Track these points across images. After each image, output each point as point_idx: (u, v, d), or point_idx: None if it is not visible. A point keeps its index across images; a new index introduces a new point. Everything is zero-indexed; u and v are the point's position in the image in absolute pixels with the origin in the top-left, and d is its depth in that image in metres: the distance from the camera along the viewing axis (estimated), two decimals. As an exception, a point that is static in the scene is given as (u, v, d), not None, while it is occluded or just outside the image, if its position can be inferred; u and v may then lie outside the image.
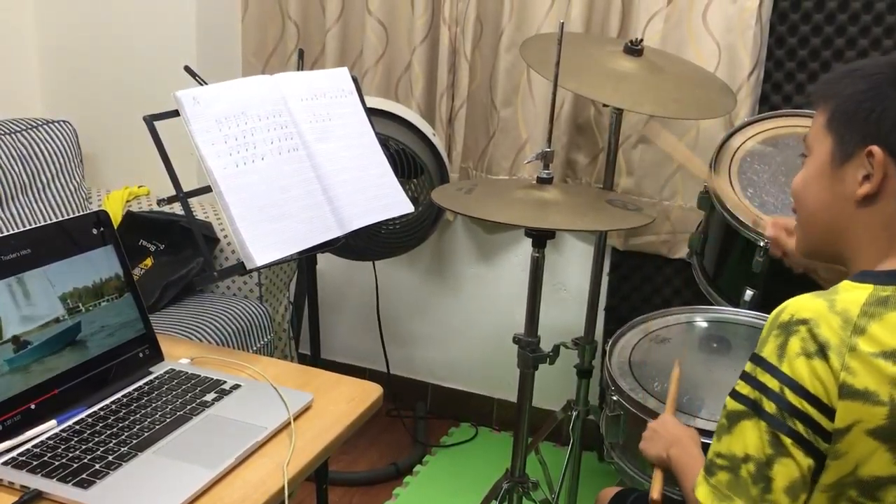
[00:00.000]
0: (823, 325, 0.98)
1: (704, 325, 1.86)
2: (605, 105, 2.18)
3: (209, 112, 1.47)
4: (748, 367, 1.05)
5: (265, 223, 1.48)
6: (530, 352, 1.74)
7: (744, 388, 1.04)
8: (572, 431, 2.22)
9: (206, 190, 1.48)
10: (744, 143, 2.03)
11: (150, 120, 1.43)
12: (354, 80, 1.76)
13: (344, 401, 1.37)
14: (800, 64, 2.30)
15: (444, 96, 2.63)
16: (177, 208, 2.50)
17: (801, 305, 1.01)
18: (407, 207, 1.73)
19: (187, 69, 1.73)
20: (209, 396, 1.31)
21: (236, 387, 1.34)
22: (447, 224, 2.80)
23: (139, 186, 2.72)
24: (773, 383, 1.00)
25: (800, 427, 0.98)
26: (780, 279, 1.93)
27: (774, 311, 1.04)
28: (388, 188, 1.72)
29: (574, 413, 2.23)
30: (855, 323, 0.98)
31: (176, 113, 1.45)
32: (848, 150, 1.07)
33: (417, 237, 2.35)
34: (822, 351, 0.97)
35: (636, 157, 2.46)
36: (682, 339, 1.82)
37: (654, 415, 1.56)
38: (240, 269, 1.45)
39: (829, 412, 0.98)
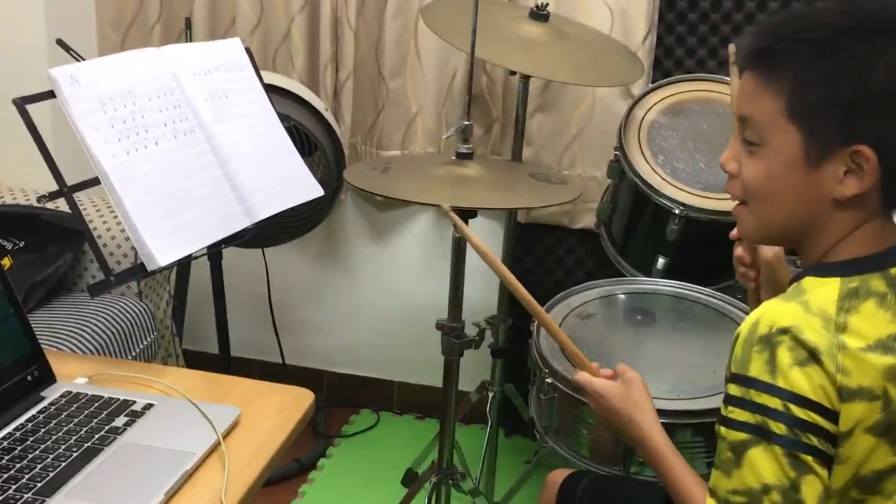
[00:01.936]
0: (807, 330, 0.92)
1: (624, 297, 1.83)
2: (512, 73, 2.10)
3: (91, 92, 1.27)
4: (734, 389, 0.96)
5: (165, 217, 1.31)
6: (455, 337, 1.64)
7: (741, 415, 0.95)
8: (490, 413, 2.15)
9: (95, 182, 1.28)
10: (648, 110, 2.00)
11: (22, 103, 1.21)
12: (248, 51, 1.59)
13: (273, 412, 1.22)
14: (690, 27, 2.29)
15: (328, 68, 2.47)
16: (33, 200, 2.24)
17: (775, 313, 0.95)
18: (316, 191, 1.59)
19: (60, 42, 1.51)
20: (119, 421, 1.13)
21: (149, 406, 1.17)
22: (338, 203, 2.66)
23: (-13, 177, 2.42)
24: (773, 402, 0.92)
25: (814, 440, 0.92)
26: (691, 247, 1.94)
27: (745, 326, 0.97)
28: (294, 170, 1.57)
29: (490, 394, 2.16)
30: (835, 320, 0.93)
31: (51, 94, 1.24)
32: (825, 148, 0.96)
33: (314, 220, 2.21)
34: (813, 356, 0.91)
35: (534, 127, 2.39)
36: (606, 313, 1.78)
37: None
38: (140, 271, 1.28)
39: (834, 417, 0.92)
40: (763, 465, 0.92)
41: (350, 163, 2.57)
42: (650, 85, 2.03)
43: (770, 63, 0.98)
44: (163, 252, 1.28)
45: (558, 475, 1.51)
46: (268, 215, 1.47)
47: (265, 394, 1.27)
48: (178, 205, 1.33)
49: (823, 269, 0.99)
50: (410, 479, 2.41)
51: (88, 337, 2.04)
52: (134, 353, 2.20)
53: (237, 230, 1.43)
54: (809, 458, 0.91)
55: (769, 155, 1.00)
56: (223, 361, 1.63)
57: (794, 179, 0.99)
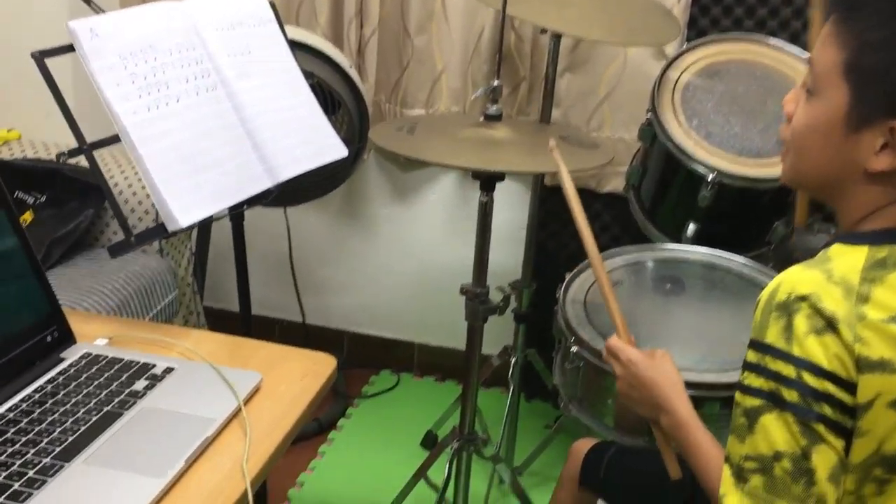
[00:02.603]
0: (826, 298, 0.89)
1: (653, 265, 1.78)
2: (542, 31, 2.04)
3: (111, 46, 1.23)
4: (751, 356, 0.95)
5: (187, 177, 1.27)
6: (480, 303, 1.61)
7: (755, 381, 0.93)
8: (511, 378, 2.13)
9: (115, 140, 1.25)
10: (683, 72, 1.94)
11: (41, 57, 1.18)
12: (272, 6, 1.54)
13: (296, 377, 1.20)
14: (727, -15, 2.21)
15: (352, 23, 2.41)
16: (54, 154, 2.22)
17: (796, 280, 0.92)
18: (341, 151, 1.55)
19: (78, -6, 1.46)
20: (139, 385, 1.11)
21: (169, 370, 1.15)
22: (361, 162, 2.61)
23: (8, 130, 2.40)
24: (788, 370, 0.91)
25: (827, 410, 0.90)
26: (723, 213, 1.88)
27: (766, 292, 0.95)
28: (319, 130, 1.53)
29: (513, 359, 2.13)
30: (858, 290, 0.90)
31: (70, 48, 1.21)
32: (869, 116, 0.93)
33: (337, 179, 2.17)
34: (831, 325, 0.89)
35: (563, 87, 2.33)
36: (635, 280, 1.74)
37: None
38: (161, 231, 1.25)
39: (851, 387, 0.90)
40: (775, 431, 0.91)
41: (374, 121, 2.52)
42: (685, 45, 1.96)
43: (847, 10, 0.94)
44: (184, 212, 1.25)
45: (583, 445, 1.49)
46: (291, 176, 1.43)
47: (287, 359, 1.25)
48: (199, 164, 1.30)
49: (853, 237, 0.97)
50: (431, 442, 2.41)
51: (109, 294, 2.03)
52: (155, 311, 2.19)
53: (260, 191, 1.39)
54: (822, 428, 0.90)
55: (817, 106, 0.98)
56: (244, 323, 1.62)
57: (831, 138, 0.96)
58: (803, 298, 0.90)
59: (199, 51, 1.36)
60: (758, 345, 0.94)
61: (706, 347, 1.54)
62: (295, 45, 2.01)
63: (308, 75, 1.89)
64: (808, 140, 1.00)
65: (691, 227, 1.89)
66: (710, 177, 1.77)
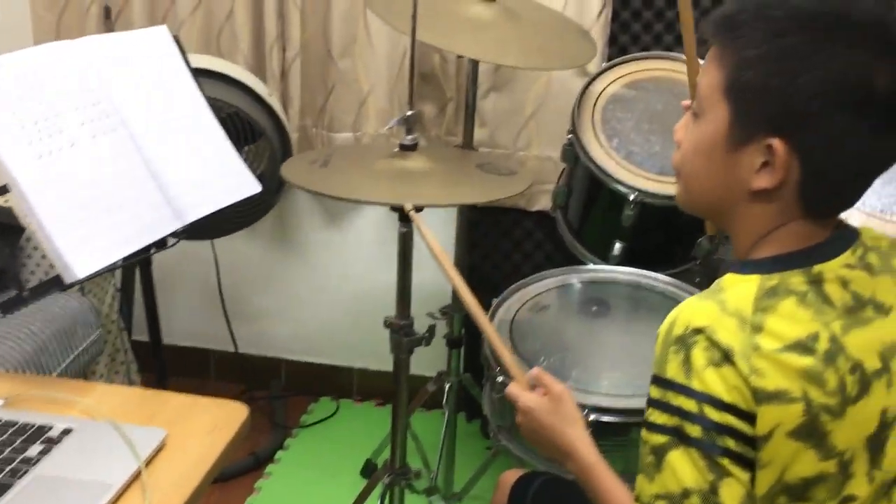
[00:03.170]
0: (721, 330, 0.89)
1: (579, 287, 1.77)
2: (460, 56, 2.02)
3: (-4, 91, 1.18)
4: (654, 392, 0.94)
5: (84, 225, 1.22)
6: (404, 335, 1.58)
7: (659, 417, 0.92)
8: (447, 404, 2.10)
9: (3, 191, 1.19)
10: (604, 89, 1.94)
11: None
12: (176, 39, 1.50)
13: (203, 430, 1.16)
14: (646, 1, 2.21)
15: (273, 48, 2.37)
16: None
17: (691, 313, 0.92)
18: (253, 187, 1.51)
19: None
20: (33, 450, 1.06)
21: (67, 432, 1.10)
22: (288, 186, 2.57)
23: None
24: (689, 404, 0.90)
25: (730, 443, 0.89)
26: (649, 232, 1.88)
27: (664, 326, 0.95)
28: (229, 166, 1.49)
29: (447, 384, 2.11)
30: (751, 321, 0.90)
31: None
32: (746, 133, 0.94)
33: (261, 210, 2.13)
34: (727, 357, 0.89)
35: (488, 107, 2.32)
36: (561, 304, 1.72)
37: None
38: (57, 284, 1.20)
39: (751, 418, 0.89)
40: (682, 468, 0.90)
41: (300, 147, 2.48)
42: (604, 64, 1.95)
43: (727, 33, 0.95)
44: (81, 263, 1.20)
45: (510, 476, 1.47)
46: (199, 216, 1.39)
47: (196, 410, 1.20)
48: (97, 210, 1.25)
49: (744, 267, 0.97)
50: (370, 471, 2.37)
51: (25, 339, 1.94)
52: (76, 352, 2.11)
53: (166, 234, 1.34)
54: (727, 461, 0.89)
55: (701, 128, 0.98)
56: (159, 374, 1.55)
57: (714, 159, 0.97)
58: (699, 331, 0.90)
59: (95, 92, 1.31)
60: (659, 380, 0.93)
61: (633, 371, 1.53)
62: (211, 75, 1.97)
63: (224, 105, 1.85)
64: (695, 163, 1.01)
65: (618, 247, 1.89)
66: (633, 197, 1.77)
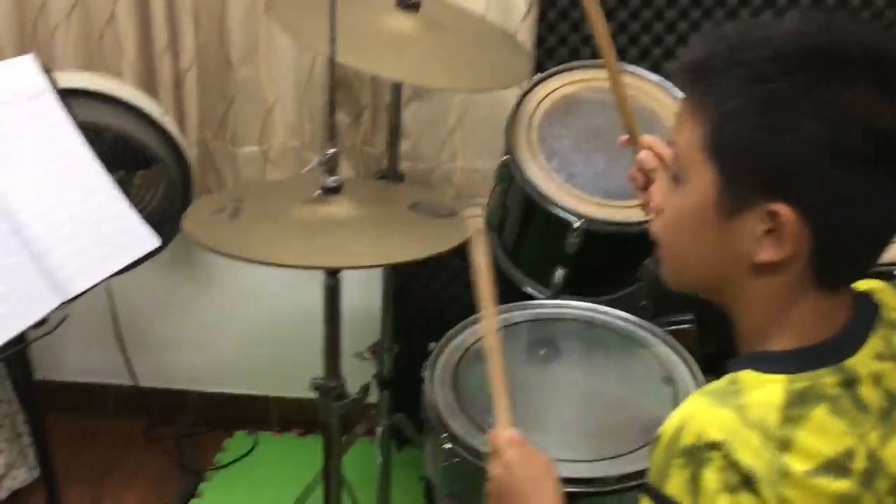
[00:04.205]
0: (741, 448, 0.75)
1: (525, 327, 1.61)
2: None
3: None
4: None
5: (-64, 320, 0.98)
6: (335, 399, 1.39)
7: None
8: (381, 450, 1.93)
9: None
10: (538, 104, 1.77)
11: None
12: (46, 71, 1.25)
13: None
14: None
15: (165, 55, 2.11)
16: None
17: (704, 422, 0.77)
18: (150, 242, 1.29)
19: None
20: None
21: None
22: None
23: None
24: None
25: None
26: (593, 257, 1.74)
27: (668, 429, 0.79)
28: (119, 221, 1.26)
29: (379, 429, 1.93)
30: (778, 437, 0.76)
31: None
32: (741, 199, 0.79)
33: (164, 239, 1.87)
34: (747, 483, 0.74)
35: (409, 117, 2.12)
36: (507, 348, 1.55)
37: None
38: None
39: None
40: None
41: (201, 163, 2.23)
42: (537, 76, 1.79)
43: (699, 82, 0.81)
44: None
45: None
46: (86, 287, 1.16)
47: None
48: (-46, 298, 1.01)
49: (764, 362, 0.82)
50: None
51: None
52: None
53: (45, 314, 1.11)
54: None
55: (684, 194, 0.84)
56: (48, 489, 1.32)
57: (706, 231, 0.82)
58: (715, 447, 0.75)
59: (-57, 147, 1.06)
60: (656, 495, 0.79)
61: (593, 428, 1.39)
62: (92, 97, 1.72)
63: (98, 130, 1.60)
64: (682, 236, 0.86)
65: (559, 272, 1.74)
66: (577, 224, 1.62)
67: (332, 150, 1.27)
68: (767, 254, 0.79)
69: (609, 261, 1.78)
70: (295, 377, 2.57)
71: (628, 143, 1.33)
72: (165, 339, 2.53)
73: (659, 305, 1.87)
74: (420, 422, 1.88)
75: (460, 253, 2.25)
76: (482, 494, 1.37)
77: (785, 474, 0.75)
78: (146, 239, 1.28)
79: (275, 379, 2.54)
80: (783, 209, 0.76)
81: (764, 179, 0.77)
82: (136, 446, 2.47)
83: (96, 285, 1.18)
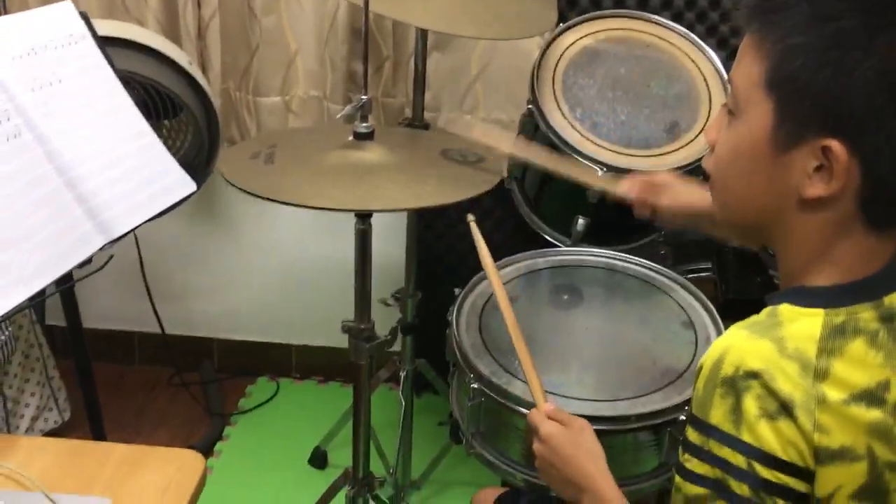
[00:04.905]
0: (780, 377, 0.78)
1: (547, 273, 1.65)
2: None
3: None
4: (693, 436, 0.83)
5: (-7, 256, 1.02)
6: (365, 340, 1.43)
7: (699, 467, 0.81)
8: (402, 394, 1.98)
9: None
10: (562, 53, 1.78)
11: None
12: (84, 17, 1.27)
13: (154, 493, 1.00)
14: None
15: (188, 4, 2.13)
16: None
17: (743, 352, 0.80)
18: (188, 187, 1.32)
19: None
20: (-47, 541, 0.89)
21: (-7, 511, 0.93)
22: (214, 166, 2.35)
23: None
24: (736, 458, 0.79)
25: (780, 503, 0.79)
26: (613, 207, 1.76)
27: (708, 359, 0.82)
28: (158, 165, 1.29)
29: (402, 374, 1.98)
30: (815, 366, 0.79)
31: None
32: (796, 133, 0.81)
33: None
34: (786, 409, 0.77)
35: (431, 68, 2.13)
36: (530, 294, 1.60)
37: (522, 402, 1.34)
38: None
39: (808, 477, 0.79)
40: None
41: (223, 113, 2.26)
42: (560, 26, 1.80)
43: (766, 17, 0.82)
44: (-7, 302, 1.00)
45: (488, 495, 1.36)
46: (129, 229, 1.20)
47: (142, 466, 1.04)
48: (8, 237, 1.05)
49: (804, 296, 0.84)
50: (319, 460, 2.24)
51: (-75, 350, 1.73)
52: (-13, 356, 1.91)
53: (91, 253, 1.15)
54: None
55: (740, 128, 0.86)
56: (79, 362, 1.36)
57: (758, 163, 0.84)
58: (754, 375, 0.78)
59: (-9, 90, 1.09)
60: (700, 424, 0.82)
61: (613, 370, 1.43)
62: (120, 44, 1.73)
63: (126, 78, 1.62)
64: (734, 168, 0.88)
65: (581, 222, 1.77)
66: (600, 173, 1.64)
67: (365, 97, 1.30)
68: (816, 189, 0.81)
69: (627, 209, 1.80)
70: (316, 326, 2.64)
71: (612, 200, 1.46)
72: (190, 288, 2.58)
73: (678, 254, 1.90)
74: (442, 367, 1.93)
75: (480, 204, 2.31)
76: (506, 432, 1.43)
77: (821, 402, 0.78)
78: (184, 183, 1.31)
79: (296, 327, 2.60)
80: (836, 145, 0.78)
81: (820, 115, 0.79)
82: (163, 392, 2.54)
83: (138, 227, 1.21)
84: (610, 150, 1.69)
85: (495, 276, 1.27)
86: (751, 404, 0.78)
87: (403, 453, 2.02)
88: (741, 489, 0.79)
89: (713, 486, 0.80)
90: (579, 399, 1.34)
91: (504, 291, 1.24)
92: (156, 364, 2.60)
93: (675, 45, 1.79)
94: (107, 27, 1.79)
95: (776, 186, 0.84)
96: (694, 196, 1.36)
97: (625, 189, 1.39)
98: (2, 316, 0.99)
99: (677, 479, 0.85)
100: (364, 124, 1.32)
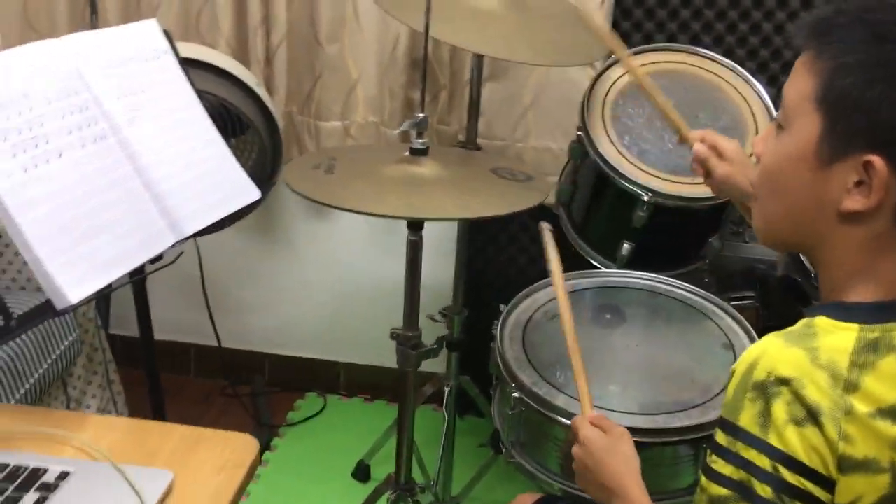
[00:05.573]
0: (810, 386, 0.81)
1: (590, 293, 1.70)
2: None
3: (-25, 100, 1.06)
4: (721, 438, 0.86)
5: (75, 245, 1.12)
6: (412, 348, 1.50)
7: (724, 468, 0.85)
8: (446, 409, 2.03)
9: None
10: (612, 84, 1.85)
11: None
12: (167, 34, 1.38)
13: (212, 470, 1.07)
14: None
15: (258, 31, 2.25)
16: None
17: (776, 359, 0.83)
18: (253, 194, 1.41)
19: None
20: (28, 499, 0.96)
21: (64, 475, 1.01)
22: (275, 184, 2.46)
23: None
24: (762, 461, 0.82)
25: None
26: (659, 232, 1.81)
27: (741, 364, 0.86)
28: (227, 172, 1.38)
29: (446, 389, 2.03)
30: (846, 379, 0.82)
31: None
32: (841, 147, 0.84)
33: (252, 204, 2.00)
34: (812, 417, 0.81)
35: (485, 96, 2.22)
36: (573, 313, 1.64)
37: (562, 412, 1.39)
38: (49, 311, 1.09)
39: (829, 484, 0.82)
40: None
41: (286, 136, 2.37)
42: (612, 57, 1.87)
43: (822, 38, 0.86)
44: (74, 287, 1.10)
45: (526, 500, 1.40)
46: (198, 228, 1.29)
47: (202, 446, 1.11)
48: (89, 228, 1.14)
49: (841, 311, 0.87)
50: (363, 473, 2.30)
51: None
52: (55, 356, 2.01)
53: (163, 249, 1.24)
54: None
55: (787, 140, 0.89)
56: (153, 393, 1.45)
57: (801, 174, 0.88)
58: (784, 382, 0.82)
59: (82, 96, 1.19)
60: (729, 426, 0.85)
61: (653, 386, 1.47)
62: (195, 64, 1.85)
63: (209, 96, 1.73)
64: (777, 179, 0.92)
65: (626, 247, 1.82)
66: (646, 198, 1.70)
67: (422, 114, 1.37)
68: (855, 203, 0.84)
69: (675, 236, 1.85)
70: (364, 345, 2.72)
71: (681, 142, 1.43)
72: (246, 303, 2.68)
73: (722, 283, 1.94)
74: (485, 384, 1.98)
75: (527, 229, 2.37)
76: (545, 442, 1.47)
77: (848, 412, 0.80)
78: (249, 190, 1.40)
79: (345, 345, 2.67)
80: (877, 160, 0.82)
81: (865, 131, 0.83)
82: (216, 402, 2.63)
83: (207, 228, 1.30)
84: (657, 178, 1.74)
85: (560, 283, 1.29)
86: (780, 409, 0.81)
87: (445, 468, 2.06)
88: (764, 491, 0.82)
89: (737, 487, 0.83)
90: (618, 412, 1.38)
91: (567, 299, 1.27)
92: (210, 376, 2.70)
93: (723, 78, 1.84)
94: (184, 49, 1.91)
95: (816, 199, 0.87)
96: (749, 179, 1.38)
97: (696, 136, 1.39)
98: (84, 300, 1.07)
99: (703, 479, 0.88)
100: (420, 140, 1.39)
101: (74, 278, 1.10)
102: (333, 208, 1.24)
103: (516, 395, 1.44)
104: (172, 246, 1.27)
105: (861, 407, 0.81)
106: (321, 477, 2.32)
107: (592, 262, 1.91)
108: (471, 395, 2.14)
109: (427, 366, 2.16)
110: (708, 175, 1.41)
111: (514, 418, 1.47)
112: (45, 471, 1.00)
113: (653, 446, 1.35)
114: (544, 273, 1.78)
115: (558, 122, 2.20)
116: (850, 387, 0.81)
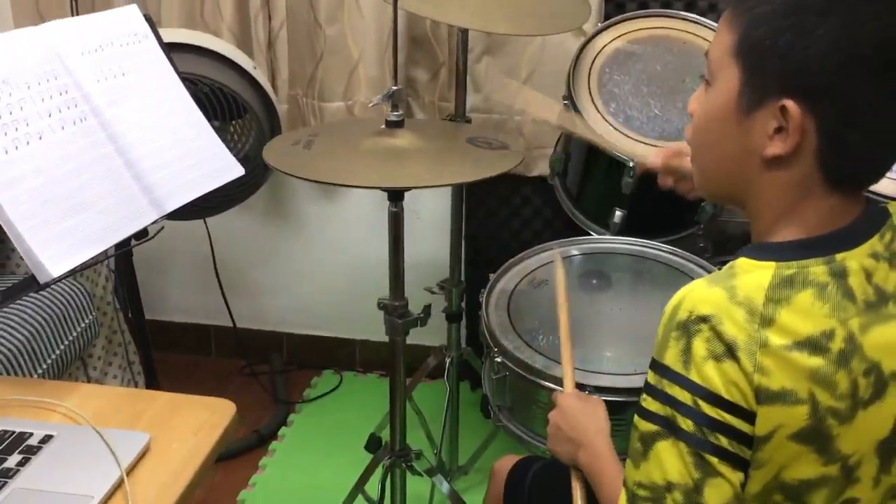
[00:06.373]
0: (727, 321, 0.83)
1: (579, 259, 1.72)
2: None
3: (-45, 86, 1.12)
4: (651, 377, 0.89)
5: (56, 221, 1.17)
6: (398, 317, 1.53)
7: (652, 405, 0.88)
8: (447, 380, 2.07)
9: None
10: (600, 51, 1.86)
11: None
12: (147, 18, 1.43)
13: (189, 432, 1.12)
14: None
15: (259, 16, 2.29)
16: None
17: (697, 299, 0.86)
18: (235, 171, 1.45)
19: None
20: (12, 460, 1.02)
21: (47, 439, 1.06)
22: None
23: None
24: (684, 395, 0.85)
25: (723, 441, 0.84)
26: (650, 198, 1.82)
27: (668, 308, 0.89)
28: (209, 150, 1.43)
29: (448, 359, 2.07)
30: (761, 313, 0.84)
31: None
32: (758, 96, 0.87)
33: (250, 188, 2.07)
34: (730, 351, 0.83)
35: (482, 71, 2.24)
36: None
37: (543, 375, 1.42)
38: (32, 285, 1.15)
39: (750, 417, 0.84)
40: (668, 460, 0.86)
41: (291, 118, 2.42)
42: (600, 24, 1.87)
43: None
44: (55, 261, 1.15)
45: (505, 463, 1.43)
46: (179, 205, 1.34)
47: (182, 410, 1.16)
48: (70, 205, 1.20)
49: (760, 251, 0.90)
50: (375, 445, 2.34)
51: (18, 326, 1.92)
52: (72, 337, 2.09)
53: (144, 225, 1.29)
54: (715, 460, 0.84)
55: (712, 95, 0.92)
56: (146, 364, 1.51)
57: (727, 127, 0.91)
58: (704, 319, 0.84)
59: (62, 80, 1.25)
60: (657, 365, 0.89)
61: (634, 347, 1.49)
62: (192, 51, 1.90)
63: (195, 81, 1.78)
64: (707, 134, 0.95)
65: (618, 214, 1.83)
66: (632, 164, 1.71)
67: (394, 87, 1.40)
68: (776, 148, 0.86)
69: (666, 201, 1.84)
70: (379, 322, 2.75)
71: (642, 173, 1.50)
72: (260, 284, 2.74)
73: (719, 247, 1.94)
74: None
75: (529, 202, 2.38)
76: (529, 405, 1.51)
77: (763, 345, 0.83)
78: (232, 167, 1.44)
79: (360, 323, 2.72)
80: (791, 105, 0.84)
81: (778, 77, 0.85)
82: (234, 381, 2.70)
83: (187, 204, 1.35)
84: (643, 143, 1.75)
85: (564, 314, 1.36)
86: (699, 346, 0.84)
87: (450, 437, 2.10)
88: (686, 425, 0.84)
89: (663, 422, 0.86)
90: (598, 373, 1.41)
91: (568, 327, 1.34)
92: (230, 356, 2.77)
93: (711, 41, 1.84)
94: (181, 35, 1.97)
95: (742, 149, 0.90)
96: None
97: (652, 159, 1.42)
98: (75, 269, 1.13)
99: (635, 418, 0.91)
100: (395, 113, 1.42)
101: (56, 253, 1.16)
102: (310, 182, 1.27)
103: (499, 359, 1.47)
104: (154, 222, 1.31)
105: (777, 340, 0.83)
106: (335, 450, 2.38)
107: (589, 231, 1.93)
108: (474, 366, 2.17)
109: (432, 339, 2.21)
110: (680, 179, 1.41)
111: (499, 383, 1.50)
112: (30, 434, 1.06)
113: (630, 406, 1.37)
114: (536, 235, 1.80)
115: (555, 95, 2.20)
116: (766, 321, 0.83)
